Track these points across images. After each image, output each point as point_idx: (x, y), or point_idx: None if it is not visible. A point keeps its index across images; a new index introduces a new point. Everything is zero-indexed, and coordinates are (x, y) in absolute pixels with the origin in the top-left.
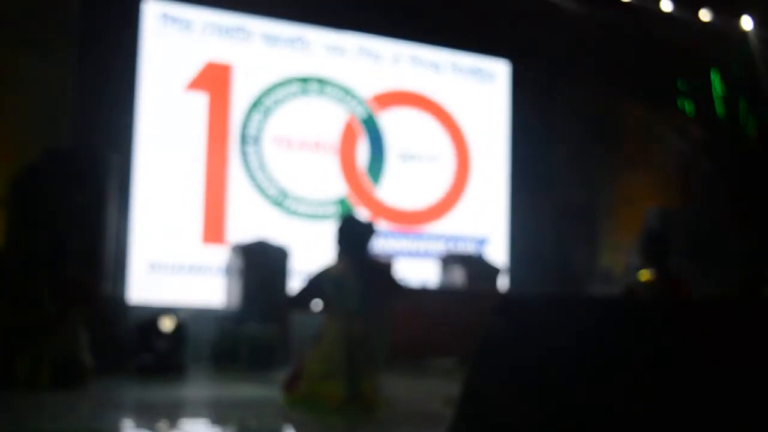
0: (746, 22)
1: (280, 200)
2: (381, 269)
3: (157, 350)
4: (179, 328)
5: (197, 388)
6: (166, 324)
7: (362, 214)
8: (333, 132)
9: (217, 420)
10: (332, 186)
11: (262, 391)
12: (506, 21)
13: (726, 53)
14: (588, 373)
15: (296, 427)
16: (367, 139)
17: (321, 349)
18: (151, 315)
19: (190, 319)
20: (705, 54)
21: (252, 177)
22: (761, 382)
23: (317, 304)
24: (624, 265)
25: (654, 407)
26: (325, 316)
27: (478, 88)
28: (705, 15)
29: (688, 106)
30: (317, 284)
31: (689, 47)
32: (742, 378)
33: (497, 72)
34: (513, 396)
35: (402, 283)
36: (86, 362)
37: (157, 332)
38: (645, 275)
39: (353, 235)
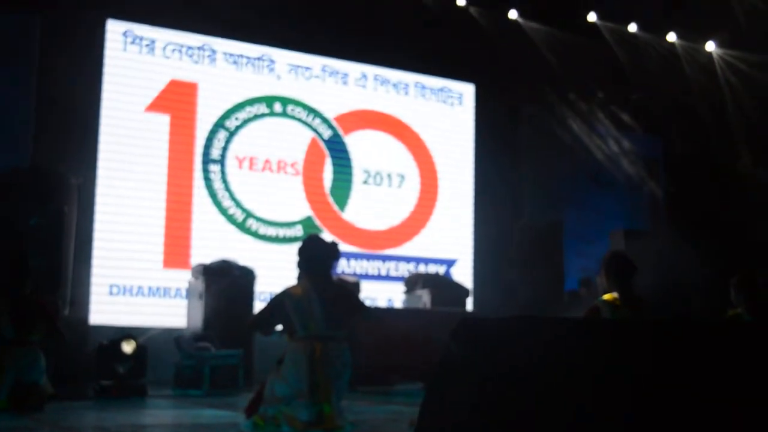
0: (710, 45)
1: (243, 221)
2: (344, 290)
3: (118, 373)
4: (140, 351)
5: (159, 411)
6: (127, 347)
7: (326, 235)
8: (298, 152)
9: None
10: (297, 207)
11: (224, 414)
12: (472, 45)
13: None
14: (543, 393)
15: None
16: (332, 159)
17: (284, 371)
18: (112, 336)
19: (151, 342)
20: (669, 76)
21: (214, 198)
22: (721, 400)
23: (278, 326)
24: (591, 285)
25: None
26: (287, 338)
27: (445, 110)
28: (671, 37)
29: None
30: (279, 305)
31: (654, 69)
32: (701, 395)
33: (464, 94)
34: (467, 417)
35: (366, 305)
36: (45, 386)
37: (118, 355)
38: (609, 296)
39: (316, 255)
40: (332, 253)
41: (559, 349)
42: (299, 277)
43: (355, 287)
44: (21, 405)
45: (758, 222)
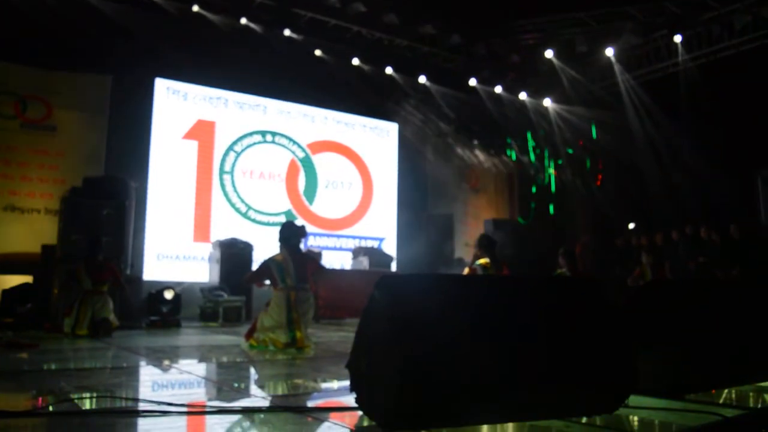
0: (547, 102)
1: (245, 212)
2: (310, 257)
3: (162, 312)
4: (177, 297)
5: (188, 337)
6: (168, 294)
7: (299, 221)
8: (281, 167)
9: (201, 358)
10: (281, 202)
11: (231, 339)
12: (396, 98)
13: (534, 121)
14: (437, 327)
15: (253, 361)
16: (305, 171)
17: (270, 311)
18: (158, 287)
19: (184, 291)
20: (522, 121)
21: (227, 196)
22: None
23: (267, 281)
24: (471, 255)
25: (492, 357)
26: (273, 289)
27: (378, 140)
28: (522, 96)
29: (512, 153)
30: (266, 267)
31: (513, 117)
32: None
33: (390, 130)
34: (382, 341)
35: (324, 266)
36: (112, 321)
37: (162, 299)
38: (483, 261)
39: (291, 234)
40: (301, 232)
41: (447, 294)
42: (280, 249)
43: (318, 256)
44: (97, 333)
45: (570, 220)
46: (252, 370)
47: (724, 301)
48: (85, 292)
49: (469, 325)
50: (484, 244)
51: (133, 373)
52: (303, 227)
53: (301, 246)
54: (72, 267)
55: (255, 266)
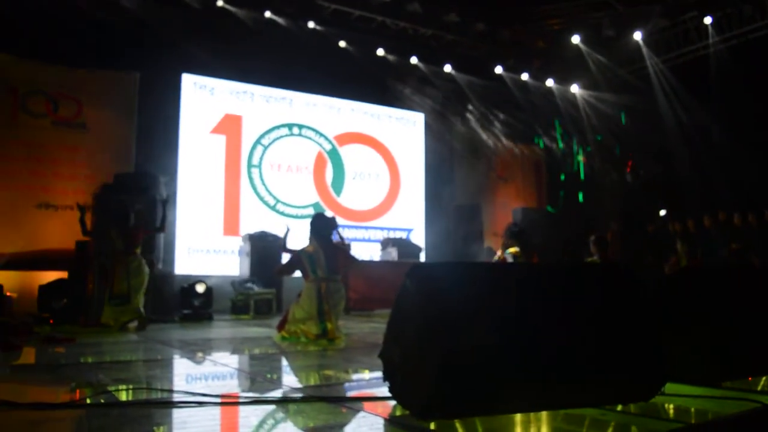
0: (574, 88)
1: (274, 205)
2: (340, 248)
3: (194, 305)
4: (208, 290)
5: (220, 329)
6: (200, 288)
7: (328, 213)
8: (309, 160)
9: (233, 350)
10: (309, 195)
11: (263, 331)
12: (422, 88)
13: (561, 108)
14: (472, 319)
15: (285, 352)
16: (332, 163)
17: (301, 302)
18: (190, 281)
19: (215, 284)
20: (549, 108)
21: (255, 190)
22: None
23: (297, 271)
24: (499, 244)
25: (527, 341)
26: (304, 280)
27: (404, 130)
28: (549, 83)
29: (540, 141)
30: (297, 258)
31: (540, 104)
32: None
33: (417, 120)
34: (416, 333)
35: (354, 257)
36: (144, 317)
37: (194, 293)
38: (513, 249)
39: (321, 225)
40: (332, 223)
41: (479, 284)
42: (310, 240)
43: (347, 247)
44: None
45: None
46: (284, 361)
47: (759, 287)
48: (118, 252)
49: (503, 315)
50: (514, 233)
51: (167, 366)
52: (334, 218)
53: (332, 237)
54: (105, 228)
55: (285, 258)
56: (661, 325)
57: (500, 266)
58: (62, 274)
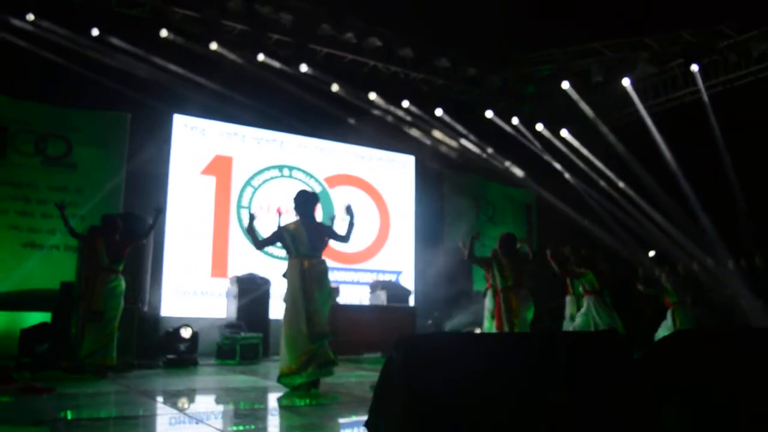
0: (564, 133)
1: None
2: (322, 226)
3: (179, 350)
4: (194, 335)
5: (205, 377)
6: (185, 332)
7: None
8: None
9: (219, 400)
10: None
11: (250, 379)
12: (412, 131)
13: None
14: (459, 395)
15: (272, 410)
16: (321, 204)
17: (287, 281)
18: (175, 324)
19: (201, 328)
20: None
21: (244, 231)
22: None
23: (277, 244)
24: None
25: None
26: (288, 256)
27: (394, 173)
28: (539, 127)
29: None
30: (279, 233)
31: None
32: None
33: (407, 163)
34: (401, 411)
35: (336, 232)
36: (115, 365)
37: (179, 337)
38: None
39: (302, 201)
40: (314, 199)
41: (467, 358)
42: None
43: (335, 292)
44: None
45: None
46: (269, 421)
47: (754, 348)
48: (101, 268)
49: (491, 392)
50: (504, 245)
51: (149, 425)
52: (315, 194)
53: (314, 214)
54: (89, 236)
55: (272, 302)
56: (654, 392)
57: (489, 339)
58: (46, 315)
